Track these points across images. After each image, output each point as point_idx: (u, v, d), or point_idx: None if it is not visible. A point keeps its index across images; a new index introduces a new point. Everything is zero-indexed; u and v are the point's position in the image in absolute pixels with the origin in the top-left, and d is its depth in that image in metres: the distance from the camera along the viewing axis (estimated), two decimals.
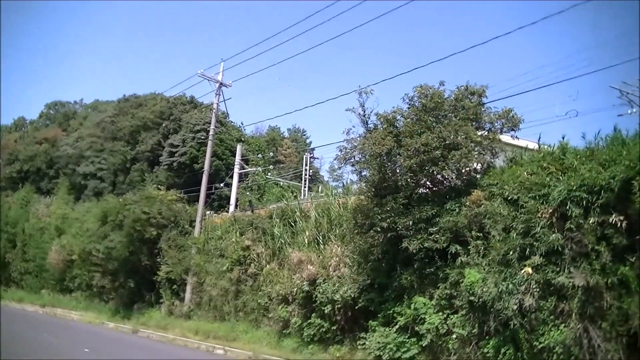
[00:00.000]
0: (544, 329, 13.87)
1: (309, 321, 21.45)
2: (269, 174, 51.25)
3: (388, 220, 17.57)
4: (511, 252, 14.76)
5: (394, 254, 18.52)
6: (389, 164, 18.60)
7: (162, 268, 32.57)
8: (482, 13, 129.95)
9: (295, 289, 22.39)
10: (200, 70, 35.48)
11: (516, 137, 18.94)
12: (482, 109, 18.48)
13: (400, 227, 17.36)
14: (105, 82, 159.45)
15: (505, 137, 19.08)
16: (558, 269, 13.83)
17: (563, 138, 16.32)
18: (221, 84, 35.95)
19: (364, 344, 18.58)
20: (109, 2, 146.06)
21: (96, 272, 38.56)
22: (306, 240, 24.38)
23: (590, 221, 13.29)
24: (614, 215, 12.81)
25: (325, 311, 20.60)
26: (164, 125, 60.79)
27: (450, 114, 18.17)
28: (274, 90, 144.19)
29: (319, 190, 32.60)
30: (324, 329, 20.86)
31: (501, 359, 14.59)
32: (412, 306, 17.23)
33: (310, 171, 54.81)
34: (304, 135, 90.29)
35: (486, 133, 18.33)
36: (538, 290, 14.03)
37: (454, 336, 16.16)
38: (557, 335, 13.49)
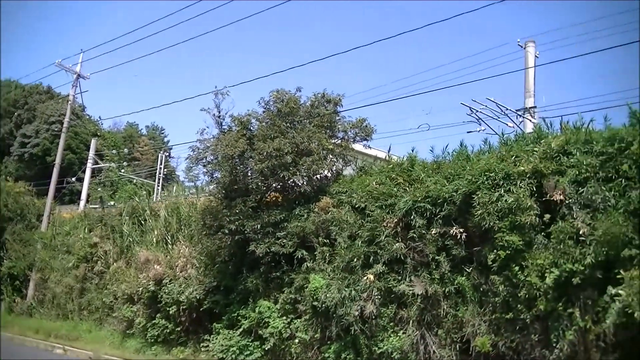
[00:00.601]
0: (384, 335, 13.67)
1: (153, 321, 20.24)
2: (124, 170, 49.52)
3: (236, 222, 16.74)
4: (355, 260, 14.32)
5: (241, 256, 17.69)
6: (240, 166, 17.75)
7: (5, 263, 30.09)
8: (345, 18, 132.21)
9: (140, 289, 21.03)
10: (58, 60, 33.35)
11: (369, 146, 18.77)
12: (337, 117, 18.11)
13: (248, 230, 16.55)
14: None
15: (359, 146, 18.90)
16: (400, 277, 13.67)
17: (412, 150, 16.26)
18: (79, 75, 33.76)
19: (208, 346, 17.73)
20: None
21: None
22: (155, 239, 23.20)
23: (433, 232, 13.23)
24: (454, 227, 12.79)
25: (170, 312, 19.46)
26: (17, 114, 57.04)
27: (305, 120, 17.63)
28: (135, 86, 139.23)
29: (173, 190, 31.59)
30: (168, 330, 19.75)
31: None
32: (257, 309, 16.51)
33: (166, 170, 53.20)
34: (162, 133, 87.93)
35: (339, 141, 18.03)
36: (379, 297, 13.75)
37: (297, 340, 15.62)
38: (395, 341, 13.32)
